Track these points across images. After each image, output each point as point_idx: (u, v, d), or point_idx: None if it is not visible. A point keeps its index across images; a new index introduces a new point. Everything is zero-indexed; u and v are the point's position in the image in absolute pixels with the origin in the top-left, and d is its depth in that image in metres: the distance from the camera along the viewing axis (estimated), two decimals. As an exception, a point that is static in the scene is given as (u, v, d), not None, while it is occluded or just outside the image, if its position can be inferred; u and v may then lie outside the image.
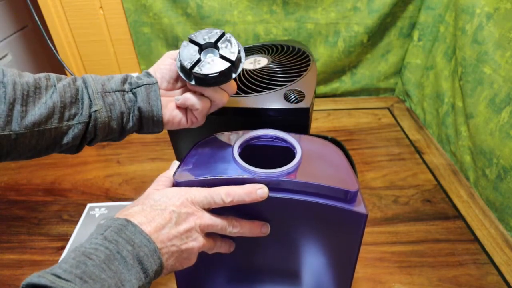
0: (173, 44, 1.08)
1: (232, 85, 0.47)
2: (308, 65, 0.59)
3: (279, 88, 0.54)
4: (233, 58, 0.42)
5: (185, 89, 0.48)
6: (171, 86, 0.48)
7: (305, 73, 0.57)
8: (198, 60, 0.43)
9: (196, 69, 0.42)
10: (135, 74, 0.48)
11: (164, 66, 0.47)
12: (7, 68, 0.40)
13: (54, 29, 1.05)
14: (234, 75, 0.44)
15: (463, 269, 0.61)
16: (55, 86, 0.42)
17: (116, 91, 0.45)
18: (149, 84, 0.46)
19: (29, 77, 0.40)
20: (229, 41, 0.44)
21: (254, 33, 1.06)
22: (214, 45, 0.44)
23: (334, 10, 1.02)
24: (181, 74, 0.44)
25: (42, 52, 1.35)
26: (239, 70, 0.44)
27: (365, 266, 0.62)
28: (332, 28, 1.04)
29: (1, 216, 0.75)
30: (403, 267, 0.62)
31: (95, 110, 0.43)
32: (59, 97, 0.41)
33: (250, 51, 0.67)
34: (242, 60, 0.44)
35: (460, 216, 0.72)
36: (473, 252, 0.64)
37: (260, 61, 0.61)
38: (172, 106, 0.47)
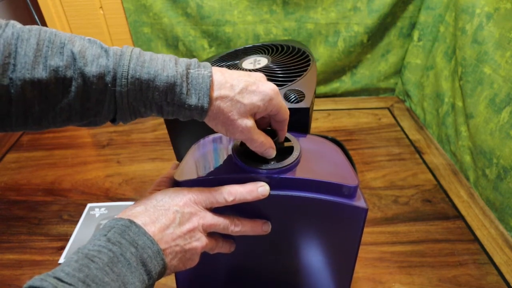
0: (173, 44, 1.08)
1: None
2: (308, 65, 0.59)
3: (279, 88, 0.54)
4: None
5: None
6: None
7: (305, 73, 0.57)
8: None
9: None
10: (191, 75, 0.36)
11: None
12: (21, 48, 0.31)
13: (54, 29, 1.05)
14: None
15: (463, 269, 0.61)
16: (74, 81, 0.32)
17: (153, 103, 0.35)
18: (198, 111, 0.36)
19: (42, 71, 0.31)
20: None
21: (254, 33, 1.06)
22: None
23: (334, 10, 1.02)
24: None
25: (42, 52, 1.35)
26: None
27: (365, 266, 0.62)
28: (332, 28, 1.04)
29: (1, 216, 0.75)
30: (403, 267, 0.62)
31: (118, 118, 0.36)
32: (76, 101, 0.34)
33: (250, 51, 0.67)
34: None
35: (460, 216, 0.72)
36: (473, 252, 0.64)
37: (260, 61, 0.61)
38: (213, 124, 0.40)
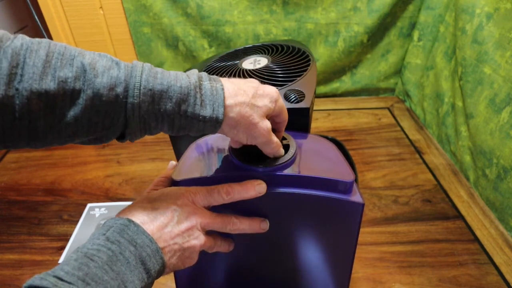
0: (173, 44, 1.08)
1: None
2: (308, 65, 0.59)
3: (279, 88, 0.54)
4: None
5: None
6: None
7: (305, 73, 0.57)
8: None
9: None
10: (204, 87, 0.36)
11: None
12: (29, 59, 0.30)
13: (54, 29, 1.05)
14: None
15: (463, 269, 0.61)
16: (83, 92, 0.31)
17: (165, 116, 0.34)
18: (212, 123, 0.36)
19: (50, 82, 0.30)
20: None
21: (254, 33, 1.06)
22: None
23: (334, 10, 1.02)
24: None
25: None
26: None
27: (365, 266, 0.62)
28: (332, 28, 1.04)
29: (1, 216, 0.75)
30: (403, 267, 0.62)
31: (127, 133, 0.35)
32: (83, 115, 0.32)
33: (250, 51, 0.67)
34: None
35: (460, 216, 0.72)
36: (473, 252, 0.64)
37: (260, 61, 0.61)
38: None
